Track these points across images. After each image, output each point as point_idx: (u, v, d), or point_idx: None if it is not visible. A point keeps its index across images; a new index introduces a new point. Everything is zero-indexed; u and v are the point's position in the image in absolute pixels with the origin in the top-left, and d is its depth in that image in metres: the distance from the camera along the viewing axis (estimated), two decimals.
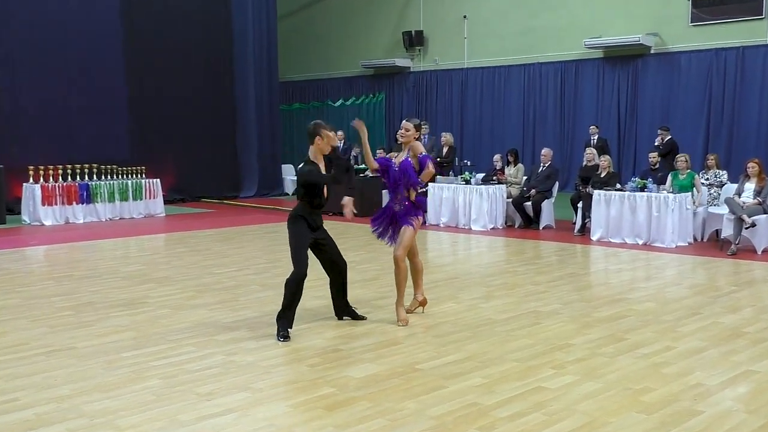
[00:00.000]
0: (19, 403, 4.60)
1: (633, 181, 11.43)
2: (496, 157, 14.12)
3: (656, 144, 14.77)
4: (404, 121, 6.61)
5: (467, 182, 13.33)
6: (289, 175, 21.04)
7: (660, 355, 5.58)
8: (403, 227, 6.44)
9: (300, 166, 6.15)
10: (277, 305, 6.80)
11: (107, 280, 8.54)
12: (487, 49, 20.64)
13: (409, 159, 6.46)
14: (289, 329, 5.99)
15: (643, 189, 11.21)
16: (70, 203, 14.31)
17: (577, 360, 5.45)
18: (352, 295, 7.28)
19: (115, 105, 17.30)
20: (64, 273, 9.06)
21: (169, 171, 17.84)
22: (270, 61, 20.51)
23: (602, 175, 12.19)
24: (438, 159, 15.16)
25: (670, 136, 15.07)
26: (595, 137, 15.75)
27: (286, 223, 6.19)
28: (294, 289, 5.97)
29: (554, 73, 19.49)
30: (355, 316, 6.53)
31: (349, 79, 23.63)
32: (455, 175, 14.34)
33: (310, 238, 6.11)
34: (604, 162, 12.26)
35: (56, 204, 14.14)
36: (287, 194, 20.54)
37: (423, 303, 6.86)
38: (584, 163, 13.22)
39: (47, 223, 13.96)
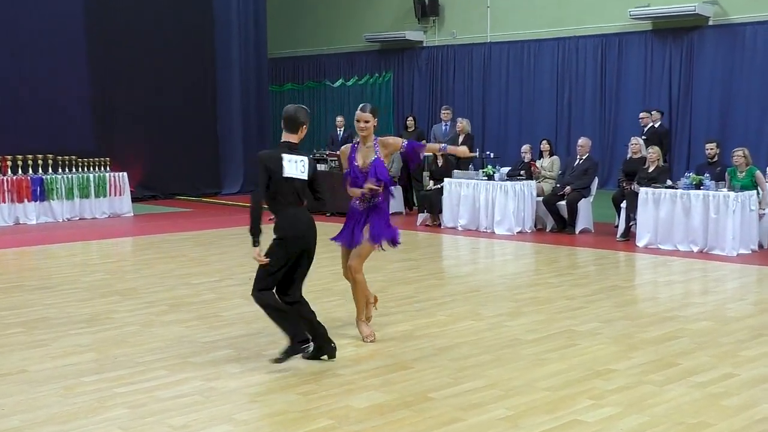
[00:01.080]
0: None
1: (687, 177, 11.41)
2: (525, 147, 14.13)
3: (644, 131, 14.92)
4: (359, 111, 6.47)
5: (490, 177, 13.33)
6: None
7: (719, 384, 5.57)
8: (367, 236, 6.47)
9: (310, 157, 6.03)
10: (265, 321, 6.79)
11: (65, 292, 8.57)
12: (514, 21, 20.63)
13: (381, 158, 6.43)
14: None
15: (698, 186, 11.19)
16: (20, 200, 14.36)
17: (619, 389, 5.44)
18: (351, 309, 7.27)
19: (75, 86, 17.36)
20: (13, 283, 9.09)
21: (137, 163, 17.89)
22: (257, 34, 20.56)
23: (650, 170, 12.17)
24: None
25: (660, 122, 15.10)
26: (656, 124, 15.39)
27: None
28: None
29: (593, 48, 19.47)
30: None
31: (351, 55, 23.65)
32: (476, 169, 14.33)
33: None
34: (653, 154, 12.25)
35: (4, 201, 14.20)
36: None
37: (375, 300, 6.94)
38: (629, 156, 13.20)
39: None
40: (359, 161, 6.46)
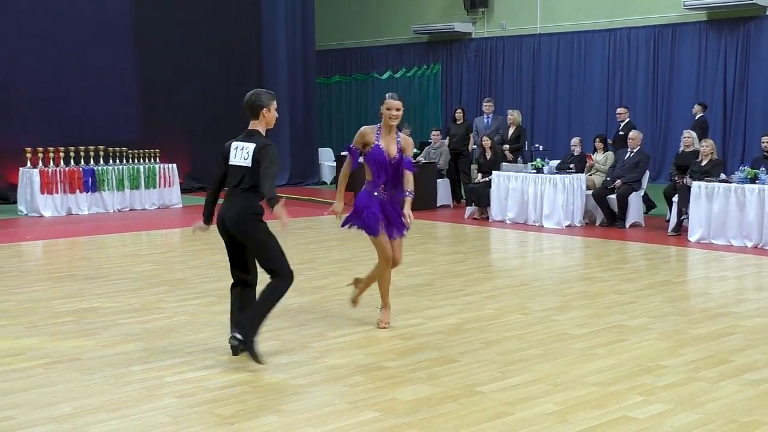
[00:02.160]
0: (15, 422, 4.72)
1: (741, 171, 11.24)
2: (574, 140, 14.02)
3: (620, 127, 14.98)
4: (391, 100, 6.45)
5: (539, 170, 13.26)
6: (327, 160, 21.16)
7: None
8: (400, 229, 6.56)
9: (264, 144, 5.92)
10: (313, 313, 6.86)
11: (115, 282, 8.71)
12: (564, 11, 20.45)
13: (401, 153, 6.47)
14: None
15: (754, 180, 11.02)
16: (72, 191, 14.62)
17: (669, 385, 5.39)
18: (403, 303, 7.31)
19: (125, 78, 17.61)
20: (65, 273, 9.26)
21: (186, 155, 18.10)
22: (305, 26, 20.64)
23: (703, 163, 12.01)
24: (503, 143, 15.09)
25: (628, 119, 15.08)
26: (696, 116, 15.40)
27: (245, 227, 5.88)
28: (277, 303, 5.91)
29: (646, 39, 19.22)
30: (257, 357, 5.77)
31: (399, 47, 23.63)
32: (524, 162, 14.26)
33: None
34: (706, 147, 12.08)
35: (57, 192, 14.46)
36: (325, 183, 20.66)
37: (356, 283, 7.02)
38: (681, 149, 13.04)
39: (46, 214, 14.29)
40: (385, 147, 6.47)
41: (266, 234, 5.86)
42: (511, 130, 15.24)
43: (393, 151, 6.46)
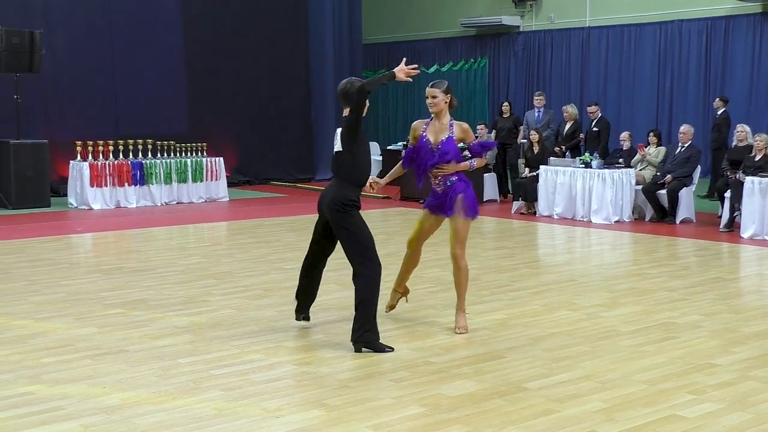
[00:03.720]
0: (63, 412, 4.80)
1: None
2: (624, 135, 13.87)
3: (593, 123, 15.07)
4: (428, 87, 6.45)
5: (587, 165, 13.13)
6: (373, 155, 21.14)
7: None
8: (453, 218, 6.42)
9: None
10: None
11: (162, 275, 8.81)
12: (614, 4, 20.22)
13: (453, 137, 6.40)
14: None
15: None
16: (121, 185, 14.81)
17: (721, 384, 5.31)
18: (451, 298, 7.27)
19: (172, 73, 17.79)
20: (113, 265, 9.39)
21: (232, 149, 18.25)
22: (352, 19, 20.66)
23: (756, 159, 11.82)
24: (558, 139, 15.02)
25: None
26: (720, 112, 15.23)
27: (335, 218, 5.99)
28: (377, 295, 6.01)
29: (698, 32, 18.93)
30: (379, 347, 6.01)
31: (447, 40, 23.56)
32: (572, 157, 14.13)
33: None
34: (760, 142, 11.88)
35: (106, 185, 14.66)
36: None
37: (406, 292, 6.94)
38: (734, 143, 12.85)
39: (96, 207, 14.50)
40: (431, 137, 6.42)
41: (354, 227, 6.00)
42: (567, 125, 15.15)
43: (438, 139, 6.39)
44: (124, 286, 8.24)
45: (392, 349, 5.95)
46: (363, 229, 5.99)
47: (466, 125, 6.57)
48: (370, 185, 6.35)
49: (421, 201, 7.03)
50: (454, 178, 6.42)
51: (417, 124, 6.55)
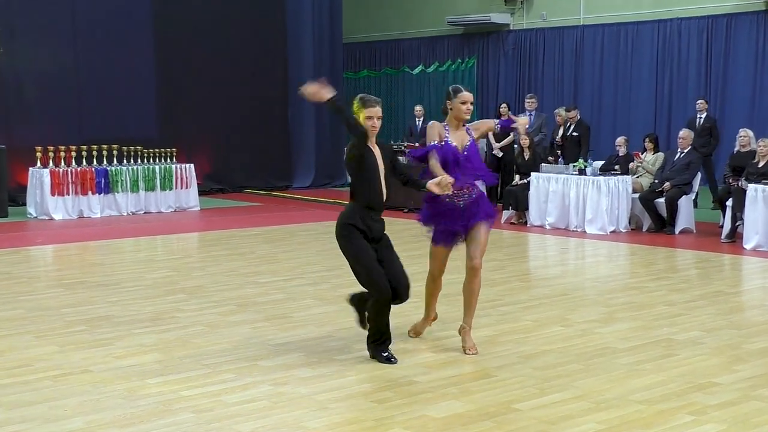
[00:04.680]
0: None
1: None
2: (619, 140, 13.94)
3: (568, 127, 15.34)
4: (466, 92, 6.45)
5: (581, 172, 13.20)
6: None
7: None
8: (478, 226, 6.42)
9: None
10: (338, 323, 6.86)
11: (128, 289, 8.78)
12: (609, 1, 20.36)
13: (475, 141, 6.48)
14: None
15: None
16: (84, 193, 14.74)
17: (723, 404, 5.35)
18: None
19: (140, 74, 17.76)
20: (76, 279, 9.35)
21: (204, 155, 18.22)
22: (332, 17, 20.71)
23: (760, 165, 11.91)
24: (553, 146, 15.13)
25: (579, 117, 15.30)
26: (703, 116, 15.36)
27: (337, 238, 6.13)
28: (385, 317, 6.11)
29: (698, 30, 19.08)
30: (381, 358, 6.18)
31: (432, 39, 23.64)
32: (566, 163, 14.20)
33: (372, 250, 6.06)
34: (764, 148, 11.97)
35: (68, 194, 14.59)
36: None
37: (435, 318, 7.02)
38: (736, 149, 12.95)
39: (57, 216, 14.43)
40: (456, 142, 6.41)
41: (352, 247, 6.05)
42: (561, 130, 15.27)
43: (465, 143, 6.43)
44: (88, 301, 8.20)
45: (396, 361, 6.10)
46: (360, 256, 6.02)
47: (476, 122, 6.73)
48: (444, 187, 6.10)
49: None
50: (474, 193, 6.41)
51: (438, 125, 6.46)
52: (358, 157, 6.00)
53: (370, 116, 6.04)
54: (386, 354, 6.14)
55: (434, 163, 6.29)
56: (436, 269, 6.69)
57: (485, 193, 6.62)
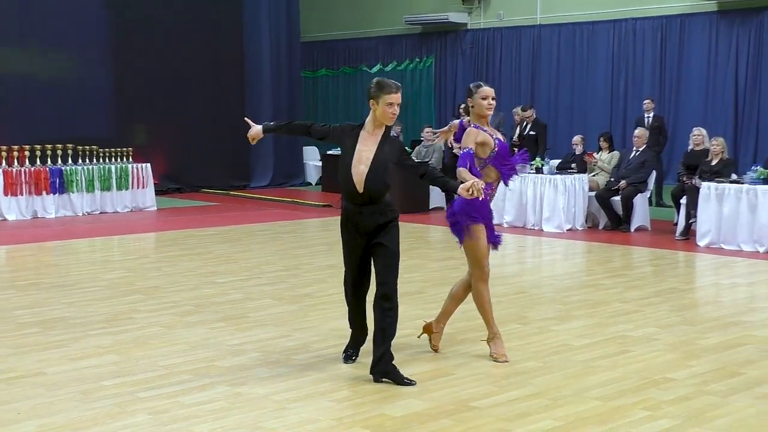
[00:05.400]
0: None
1: (753, 171, 11.29)
2: (576, 139, 14.06)
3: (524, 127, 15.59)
4: (488, 87, 6.27)
5: (538, 171, 13.28)
6: (312, 160, 21.16)
7: None
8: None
9: None
10: (296, 323, 6.84)
11: (84, 290, 8.68)
12: (566, 1, 20.49)
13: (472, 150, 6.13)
14: (351, 351, 6.17)
15: (766, 181, 11.07)
16: (38, 193, 14.57)
17: (677, 399, 5.41)
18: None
19: (95, 71, 17.56)
20: (29, 280, 9.23)
21: (161, 154, 18.06)
22: (289, 16, 20.63)
23: (713, 163, 12.06)
24: (513, 144, 15.21)
25: (535, 116, 15.59)
26: (650, 115, 15.55)
27: None
28: (350, 316, 6.12)
29: (653, 30, 19.27)
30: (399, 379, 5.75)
31: (390, 38, 23.64)
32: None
33: (359, 245, 5.79)
34: (717, 146, 12.12)
35: (21, 194, 14.42)
36: (310, 184, 20.65)
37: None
38: (690, 147, 13.09)
39: (10, 217, 14.25)
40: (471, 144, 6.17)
41: (342, 242, 5.96)
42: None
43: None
44: (42, 303, 8.09)
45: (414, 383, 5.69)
46: (344, 252, 5.97)
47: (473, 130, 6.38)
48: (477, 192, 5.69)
49: None
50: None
51: (473, 133, 6.14)
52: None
53: (390, 103, 5.68)
54: (350, 353, 6.13)
55: (463, 168, 6.01)
56: (486, 270, 6.42)
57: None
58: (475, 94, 6.24)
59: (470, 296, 6.44)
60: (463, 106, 16.50)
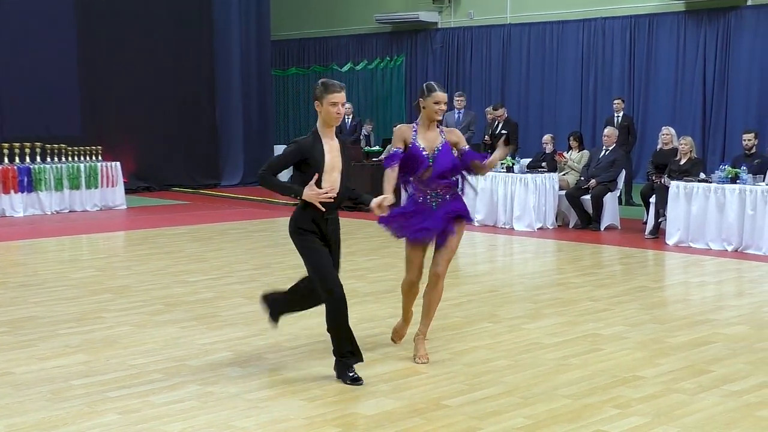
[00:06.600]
0: None
1: (721, 170, 11.38)
2: (546, 137, 14.12)
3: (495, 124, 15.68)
4: (441, 92, 6.10)
5: (509, 169, 13.33)
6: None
7: (754, 393, 5.56)
8: (451, 232, 6.09)
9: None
10: (267, 322, 6.80)
11: (52, 289, 8.61)
12: (535, 1, 20.58)
13: (448, 143, 6.12)
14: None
15: (734, 180, 11.16)
16: (6, 192, 14.45)
17: (646, 397, 5.45)
18: (365, 311, 7.32)
19: (64, 69, 17.42)
20: None
21: (130, 152, 17.94)
22: (260, 14, 20.56)
23: (682, 162, 12.15)
24: (485, 143, 15.28)
25: (506, 115, 15.72)
26: (620, 115, 15.68)
27: (289, 234, 5.80)
28: (341, 321, 5.62)
29: (622, 30, 19.40)
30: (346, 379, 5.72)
31: (360, 37, 23.65)
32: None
33: (325, 249, 5.66)
34: (685, 146, 12.22)
35: None
36: None
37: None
38: (659, 147, 13.19)
39: None
40: (424, 145, 6.08)
41: (303, 248, 5.67)
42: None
43: (436, 144, 6.10)
44: (9, 302, 8.02)
45: (361, 382, 5.62)
46: (310, 256, 5.66)
47: (451, 129, 6.36)
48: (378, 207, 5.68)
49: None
50: (460, 190, 6.19)
51: (405, 128, 6.16)
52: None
53: (334, 102, 5.60)
54: (352, 374, 5.64)
55: (388, 173, 5.97)
56: (414, 274, 6.22)
57: (460, 194, 6.23)
58: (428, 96, 6.10)
59: (422, 292, 6.34)
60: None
